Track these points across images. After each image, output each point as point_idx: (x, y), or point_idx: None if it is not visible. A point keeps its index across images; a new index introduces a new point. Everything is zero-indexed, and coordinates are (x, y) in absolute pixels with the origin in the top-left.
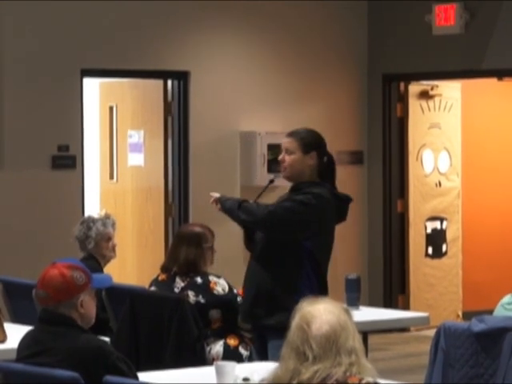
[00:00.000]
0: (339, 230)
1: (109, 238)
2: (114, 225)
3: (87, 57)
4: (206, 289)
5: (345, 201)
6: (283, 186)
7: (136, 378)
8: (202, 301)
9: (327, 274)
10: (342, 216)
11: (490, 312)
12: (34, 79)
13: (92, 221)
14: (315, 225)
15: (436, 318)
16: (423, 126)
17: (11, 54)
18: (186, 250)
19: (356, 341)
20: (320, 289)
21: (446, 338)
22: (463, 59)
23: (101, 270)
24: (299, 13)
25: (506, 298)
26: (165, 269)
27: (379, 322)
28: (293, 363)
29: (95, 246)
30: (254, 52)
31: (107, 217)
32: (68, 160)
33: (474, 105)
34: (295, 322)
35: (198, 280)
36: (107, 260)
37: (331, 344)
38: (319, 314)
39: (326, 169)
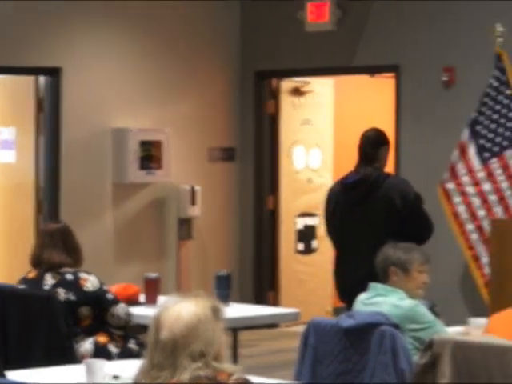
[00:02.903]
0: (210, 225)
1: None
2: None
3: None
4: (76, 285)
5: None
6: (157, 181)
7: (3, 376)
8: (73, 298)
9: (341, 254)
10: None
11: None
12: None
13: None
14: None
15: (306, 314)
16: (295, 122)
17: None
18: (51, 248)
19: (208, 344)
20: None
21: (315, 334)
22: (335, 56)
23: None
24: (172, 11)
25: (364, 294)
26: (35, 265)
27: (250, 319)
28: (146, 366)
29: None
30: (126, 49)
31: None
32: None
33: (346, 101)
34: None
35: (69, 277)
36: None
37: (170, 350)
38: (166, 319)
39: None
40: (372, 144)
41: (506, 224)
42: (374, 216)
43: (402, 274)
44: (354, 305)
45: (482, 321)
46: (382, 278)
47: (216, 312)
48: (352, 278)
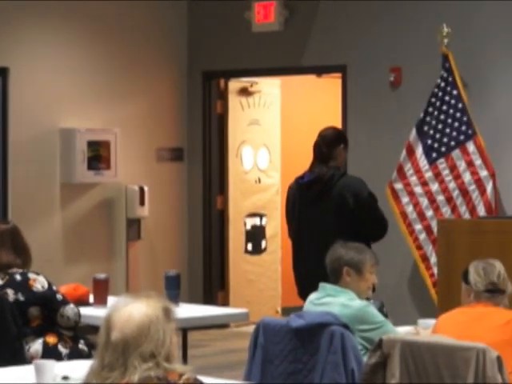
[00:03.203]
0: (159, 226)
1: None
2: None
3: None
4: (25, 285)
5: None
6: (105, 182)
7: None
8: (22, 298)
9: (296, 253)
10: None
11: None
12: None
13: None
14: None
15: (255, 314)
16: (243, 122)
17: None
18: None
19: (158, 345)
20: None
21: (265, 334)
22: (283, 56)
23: None
24: (120, 12)
25: (314, 294)
26: None
27: (199, 319)
28: (97, 367)
29: None
30: (74, 50)
31: None
32: None
33: (293, 101)
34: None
35: (18, 277)
36: None
37: (121, 351)
38: (117, 320)
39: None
40: (327, 143)
41: (453, 224)
42: (328, 215)
43: (355, 274)
44: (305, 305)
45: (430, 322)
46: (334, 277)
47: (167, 313)
48: (308, 276)
